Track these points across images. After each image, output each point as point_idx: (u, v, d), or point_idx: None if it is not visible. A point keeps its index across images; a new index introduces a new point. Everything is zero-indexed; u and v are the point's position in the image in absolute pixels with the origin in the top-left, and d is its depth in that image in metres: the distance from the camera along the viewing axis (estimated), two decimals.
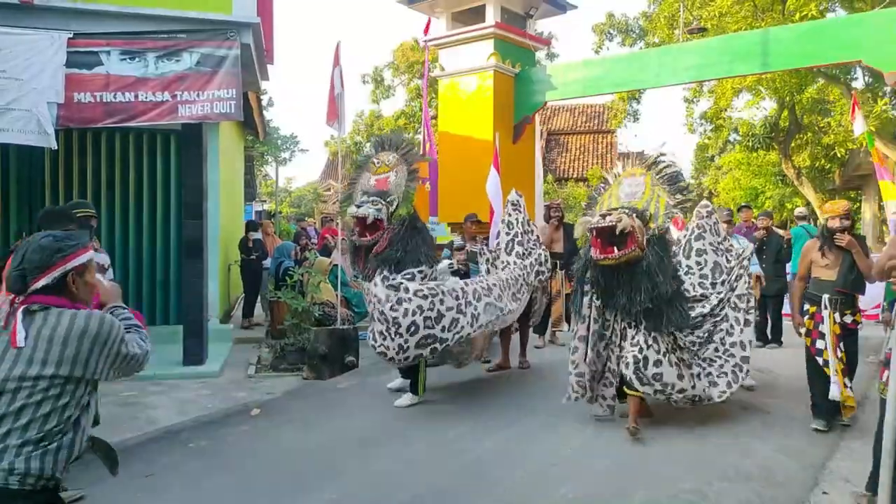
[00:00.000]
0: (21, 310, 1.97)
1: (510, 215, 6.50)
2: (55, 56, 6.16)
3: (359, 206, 5.24)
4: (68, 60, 6.18)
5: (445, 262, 6.75)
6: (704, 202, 5.79)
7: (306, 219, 19.53)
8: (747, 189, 23.66)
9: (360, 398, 6.02)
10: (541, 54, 15.66)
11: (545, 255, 6.68)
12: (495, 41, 11.08)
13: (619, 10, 19.13)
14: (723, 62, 9.71)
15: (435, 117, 14.88)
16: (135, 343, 2.14)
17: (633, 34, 19.51)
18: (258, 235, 9.94)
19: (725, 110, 18.88)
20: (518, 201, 6.46)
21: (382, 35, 65.35)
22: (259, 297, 9.82)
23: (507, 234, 6.49)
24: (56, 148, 6.32)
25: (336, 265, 8.38)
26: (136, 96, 6.30)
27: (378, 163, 5.66)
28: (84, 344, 1.95)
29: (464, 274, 6.83)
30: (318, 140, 66.21)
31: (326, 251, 9.98)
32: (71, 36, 6.23)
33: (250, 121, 12.25)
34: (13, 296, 1.99)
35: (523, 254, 6.44)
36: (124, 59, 6.33)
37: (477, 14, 11.46)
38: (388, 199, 5.32)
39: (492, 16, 11.11)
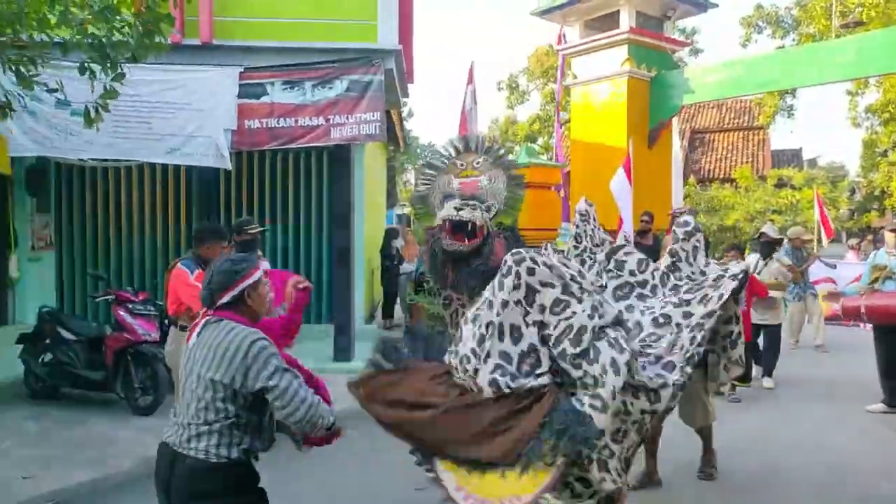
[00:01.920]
0: (204, 320, 2.45)
1: (577, 227, 5.51)
2: (230, 89, 7.08)
3: (459, 209, 4.71)
4: (240, 92, 7.09)
5: None
6: (685, 218, 4.16)
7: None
8: None
9: None
10: (683, 51, 15.18)
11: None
12: (629, 46, 10.99)
13: (768, 1, 17.88)
14: (882, 57, 8.96)
15: (568, 122, 14.95)
16: (292, 382, 2.37)
17: (784, 25, 18.29)
18: (400, 242, 10.64)
19: (894, 102, 17.16)
20: (587, 211, 5.47)
21: (519, 43, 65.61)
22: (399, 300, 10.50)
23: (576, 248, 5.53)
24: (230, 169, 7.26)
25: None
26: (296, 121, 7.10)
27: (462, 164, 5.14)
28: (235, 357, 2.32)
29: None
30: None
31: None
32: (242, 70, 7.15)
33: (391, 134, 13.03)
34: (205, 309, 2.52)
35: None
36: (286, 89, 7.15)
37: (610, 20, 11.42)
38: (486, 205, 4.84)
39: (626, 21, 11.03)
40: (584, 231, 5.29)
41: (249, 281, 2.51)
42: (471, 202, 4.79)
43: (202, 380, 2.35)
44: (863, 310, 5.82)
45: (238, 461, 2.39)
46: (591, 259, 5.23)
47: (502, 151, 5.35)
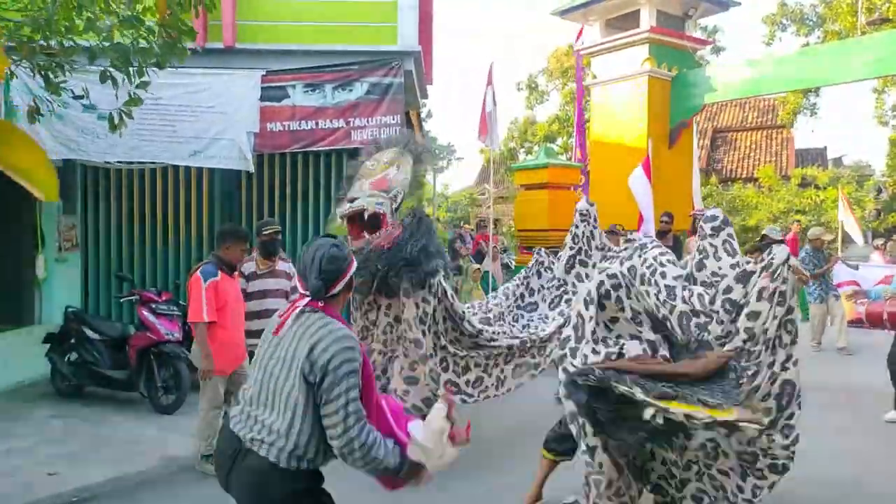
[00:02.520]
0: (299, 310, 2.20)
1: (576, 227, 5.19)
2: (252, 92, 7.17)
3: (351, 202, 4.41)
4: (262, 95, 7.17)
5: None
6: (713, 212, 3.70)
7: (463, 225, 20.26)
8: None
9: (523, 394, 6.12)
10: (704, 50, 15.02)
11: None
12: (650, 46, 10.91)
13: None
14: None
15: (588, 122, 14.89)
16: (355, 411, 2.10)
17: (808, 23, 18.03)
18: None
19: None
20: (588, 211, 5.12)
21: (539, 41, 65.41)
22: None
23: (571, 248, 5.27)
24: (253, 171, 7.34)
25: (486, 271, 8.80)
26: (317, 124, 7.16)
27: (374, 165, 4.80)
28: (322, 356, 2.09)
29: None
30: (474, 147, 67.49)
31: (480, 256, 10.47)
32: (264, 73, 7.22)
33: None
34: (298, 299, 2.25)
35: (586, 276, 5.10)
36: (307, 92, 7.22)
37: (631, 19, 11.34)
38: (391, 195, 4.52)
39: (647, 20, 10.95)
40: (583, 231, 5.05)
41: (355, 266, 2.33)
42: (369, 193, 4.36)
43: (291, 373, 2.14)
44: (885, 315, 5.75)
45: (307, 471, 2.20)
46: (587, 261, 5.08)
47: (410, 137, 4.99)
